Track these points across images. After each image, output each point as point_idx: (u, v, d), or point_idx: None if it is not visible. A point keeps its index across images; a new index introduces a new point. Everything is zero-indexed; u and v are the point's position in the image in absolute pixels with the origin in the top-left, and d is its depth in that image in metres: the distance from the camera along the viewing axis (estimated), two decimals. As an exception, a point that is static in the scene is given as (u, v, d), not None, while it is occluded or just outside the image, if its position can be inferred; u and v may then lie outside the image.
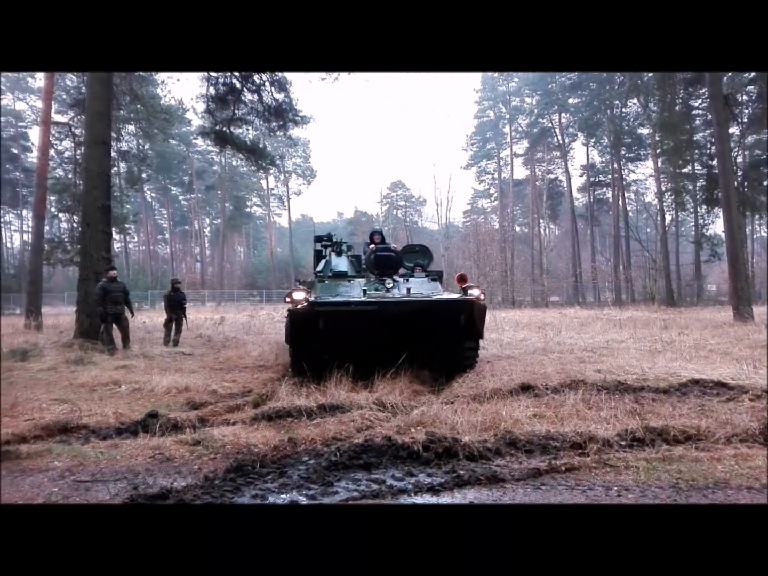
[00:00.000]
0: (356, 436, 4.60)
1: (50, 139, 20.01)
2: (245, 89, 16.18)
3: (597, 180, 48.18)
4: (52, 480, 3.81)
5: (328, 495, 3.38)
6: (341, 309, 6.57)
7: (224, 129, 16.79)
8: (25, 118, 46.48)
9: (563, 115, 48.04)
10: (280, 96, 16.76)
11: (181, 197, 61.35)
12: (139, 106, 20.54)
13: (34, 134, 45.63)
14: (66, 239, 21.61)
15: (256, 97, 16.50)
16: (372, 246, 8.48)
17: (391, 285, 7.51)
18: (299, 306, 6.48)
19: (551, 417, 5.06)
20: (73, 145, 20.91)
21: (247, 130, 19.15)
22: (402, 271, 8.62)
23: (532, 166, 52.94)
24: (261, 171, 34.84)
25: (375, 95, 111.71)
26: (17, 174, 46.94)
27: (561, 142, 48.40)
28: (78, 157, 19.56)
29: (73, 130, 20.37)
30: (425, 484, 3.51)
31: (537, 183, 51.91)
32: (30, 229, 26.79)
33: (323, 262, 8.82)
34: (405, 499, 3.24)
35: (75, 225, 20.50)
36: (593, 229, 49.43)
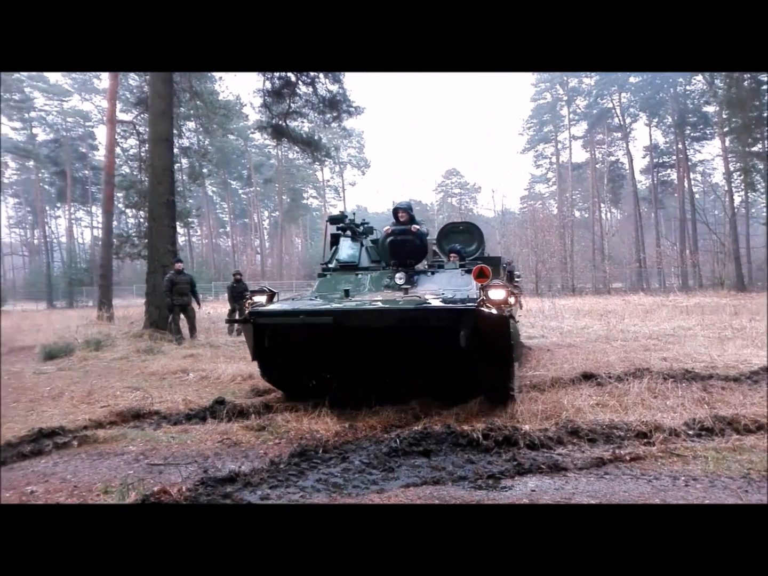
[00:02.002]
0: (415, 424, 4.65)
1: (116, 137, 20.79)
2: (300, 82, 16.36)
3: (661, 161, 46.37)
4: (127, 463, 4.02)
5: (389, 480, 3.45)
6: (288, 321, 5.00)
7: (280, 122, 17.04)
8: (92, 118, 48.40)
9: (623, 94, 46.38)
10: (334, 87, 16.88)
11: (240, 191, 62.71)
12: (198, 102, 21.06)
13: (101, 133, 47.74)
14: (133, 234, 22.40)
15: (310, 89, 16.66)
16: (387, 228, 6.44)
17: (402, 281, 5.77)
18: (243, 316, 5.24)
19: (615, 406, 4.97)
20: (137, 142, 21.64)
21: (302, 122, 19.35)
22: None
23: (592, 148, 51.36)
24: (316, 163, 35.19)
25: (427, 83, 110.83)
26: (86, 172, 49.05)
27: (622, 122, 46.77)
28: (143, 154, 20.24)
29: (137, 128, 21.08)
30: (485, 471, 3.52)
31: (597, 166, 50.32)
32: (100, 225, 28.04)
33: (333, 250, 7.10)
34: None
35: (142, 220, 21.23)
36: (657, 213, 47.62)
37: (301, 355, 5.40)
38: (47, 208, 51.88)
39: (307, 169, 57.12)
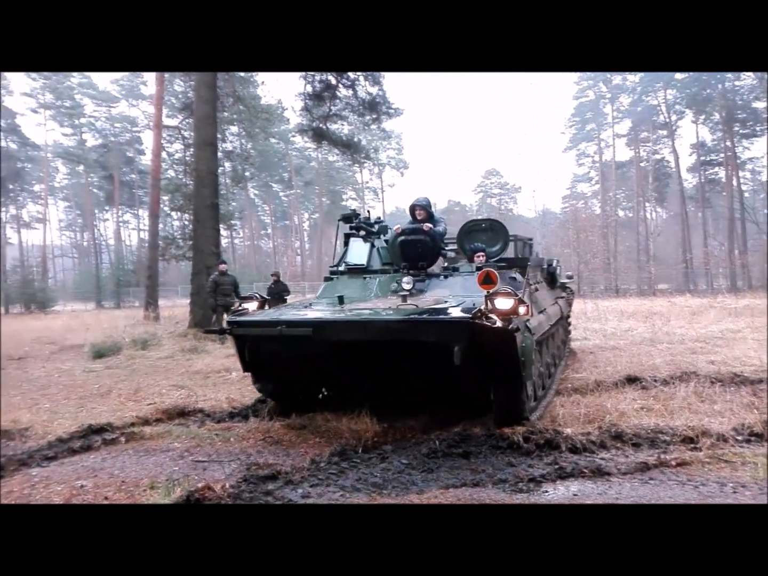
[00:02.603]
0: (455, 426, 4.63)
1: (162, 142, 21.32)
2: (340, 85, 16.50)
3: (708, 159, 44.93)
4: (173, 460, 4.14)
5: (429, 481, 3.45)
6: (265, 333, 4.64)
7: (321, 125, 17.21)
8: (139, 124, 49.65)
9: (669, 91, 45.18)
10: (373, 90, 16.96)
11: (281, 193, 63.42)
12: (241, 107, 21.42)
13: (147, 138, 48.80)
14: (179, 236, 22.91)
15: (350, 92, 16.79)
16: (398, 227, 5.88)
17: (409, 285, 5.11)
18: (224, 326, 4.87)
19: (660, 410, 4.86)
20: (183, 147, 22.21)
21: (342, 125, 19.51)
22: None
23: (636, 146, 50.16)
24: (356, 165, 35.40)
25: (466, 83, 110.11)
26: (133, 176, 50.35)
27: (667, 120, 45.56)
28: (188, 158, 20.71)
29: (182, 132, 21.62)
30: (526, 474, 3.49)
31: (642, 164, 49.14)
32: (146, 228, 28.78)
33: (342, 252, 6.50)
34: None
35: (186, 223, 21.75)
36: (705, 212, 46.20)
37: (287, 367, 5.09)
38: (96, 211, 53.43)
39: (347, 171, 57.43)
